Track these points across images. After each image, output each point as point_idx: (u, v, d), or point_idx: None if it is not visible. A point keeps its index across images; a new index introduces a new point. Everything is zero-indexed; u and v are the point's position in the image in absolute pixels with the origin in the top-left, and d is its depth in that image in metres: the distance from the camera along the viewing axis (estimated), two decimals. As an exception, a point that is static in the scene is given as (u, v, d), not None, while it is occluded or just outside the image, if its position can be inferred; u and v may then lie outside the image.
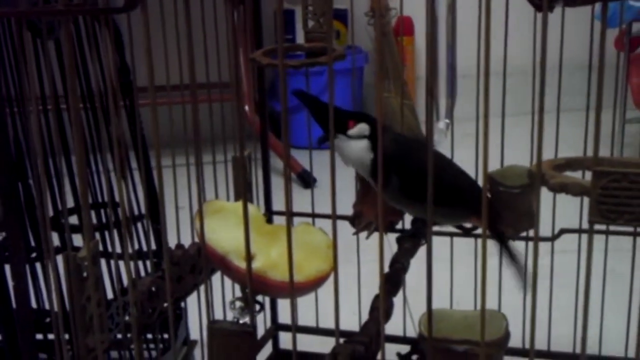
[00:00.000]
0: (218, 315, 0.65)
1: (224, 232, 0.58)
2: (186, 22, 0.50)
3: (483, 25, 0.43)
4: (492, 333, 0.53)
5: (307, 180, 1.71)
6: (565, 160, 0.46)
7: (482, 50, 0.44)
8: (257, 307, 0.60)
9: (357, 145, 0.65)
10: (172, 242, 0.70)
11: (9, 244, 0.60)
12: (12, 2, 0.55)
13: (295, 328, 0.50)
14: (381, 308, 0.48)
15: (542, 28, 0.42)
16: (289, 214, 0.48)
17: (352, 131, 0.65)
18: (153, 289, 0.63)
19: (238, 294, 0.61)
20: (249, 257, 0.48)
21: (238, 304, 0.58)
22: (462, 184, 0.68)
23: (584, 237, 0.81)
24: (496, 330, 0.54)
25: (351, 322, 0.72)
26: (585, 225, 0.78)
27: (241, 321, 0.56)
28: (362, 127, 0.65)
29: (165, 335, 0.82)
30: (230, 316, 0.58)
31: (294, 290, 0.49)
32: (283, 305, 0.93)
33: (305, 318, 0.89)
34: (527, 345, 0.44)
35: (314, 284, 0.60)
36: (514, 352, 0.75)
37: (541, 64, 0.42)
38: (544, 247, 0.79)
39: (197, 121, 0.51)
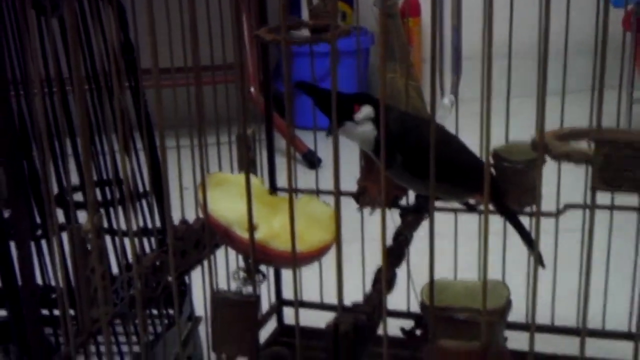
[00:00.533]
0: (222, 288, 0.65)
1: (227, 203, 0.59)
2: (189, 3, 0.50)
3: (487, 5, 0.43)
4: (494, 302, 0.53)
5: (312, 161, 1.71)
6: (569, 131, 0.45)
7: (487, 31, 0.44)
8: (260, 277, 0.60)
9: (363, 128, 0.65)
10: (176, 221, 0.71)
11: (15, 220, 0.61)
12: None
13: (298, 299, 0.50)
14: (383, 278, 0.48)
15: (545, 5, 0.41)
16: (292, 190, 0.49)
17: (358, 115, 0.65)
18: (157, 263, 0.64)
19: (241, 266, 0.62)
20: (252, 228, 0.48)
21: (241, 274, 0.58)
22: (465, 161, 0.68)
23: (589, 214, 0.81)
24: (498, 299, 0.54)
25: (355, 298, 0.72)
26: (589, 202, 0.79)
27: (244, 291, 0.57)
28: (367, 110, 0.65)
29: (170, 311, 0.83)
30: (233, 287, 0.59)
31: (296, 260, 0.49)
32: (287, 281, 0.93)
33: (309, 294, 0.90)
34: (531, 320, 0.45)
35: (316, 254, 0.60)
36: (518, 326, 0.75)
37: (544, 39, 0.42)
38: (548, 224, 0.79)
39: (201, 103, 0.51)
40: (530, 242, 0.69)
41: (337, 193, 0.48)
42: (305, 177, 0.94)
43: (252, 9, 0.84)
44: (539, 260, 0.64)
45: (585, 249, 0.45)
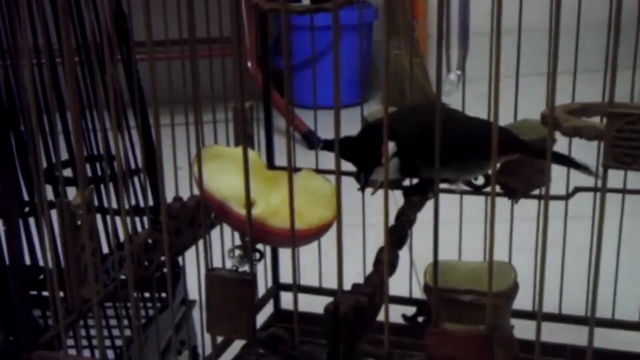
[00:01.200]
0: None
1: (223, 177, 0.59)
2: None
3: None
4: (501, 284, 0.53)
5: (312, 140, 1.71)
6: (581, 105, 0.46)
7: (495, 7, 0.44)
8: (257, 255, 0.60)
9: (390, 166, 0.64)
10: (169, 200, 0.71)
11: (2, 196, 0.61)
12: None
13: (296, 279, 0.51)
14: (385, 258, 0.49)
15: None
16: (291, 169, 0.49)
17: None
18: (149, 241, 0.64)
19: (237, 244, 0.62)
20: (249, 203, 0.48)
21: (237, 252, 0.58)
22: (476, 131, 0.67)
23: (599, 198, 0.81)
24: (504, 281, 0.55)
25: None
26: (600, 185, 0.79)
27: (240, 270, 0.57)
28: (391, 149, 0.64)
29: (163, 295, 0.83)
30: (229, 266, 0.59)
31: (295, 238, 0.50)
32: (284, 264, 0.94)
33: (307, 279, 0.90)
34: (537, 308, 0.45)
35: (315, 232, 0.61)
36: (524, 314, 0.76)
37: (556, 14, 0.42)
38: (558, 209, 0.79)
39: (197, 77, 0.51)
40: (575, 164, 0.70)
41: (339, 172, 0.48)
42: (304, 158, 0.94)
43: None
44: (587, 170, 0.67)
45: (595, 234, 0.45)
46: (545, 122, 0.42)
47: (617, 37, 0.41)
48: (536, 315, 0.45)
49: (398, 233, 0.60)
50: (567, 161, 0.71)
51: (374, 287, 0.52)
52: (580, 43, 0.84)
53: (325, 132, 1.18)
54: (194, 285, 0.80)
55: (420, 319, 0.68)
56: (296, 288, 0.53)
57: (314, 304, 0.78)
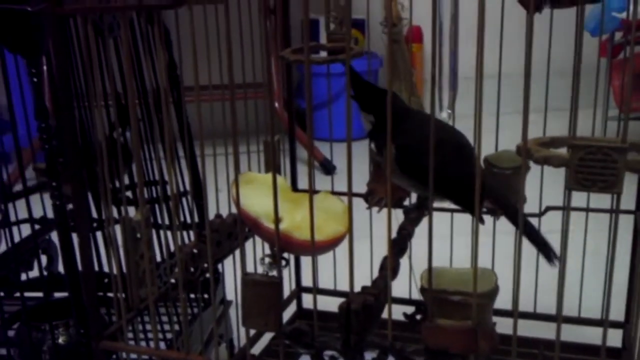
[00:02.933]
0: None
1: (256, 198, 0.60)
2: (226, 31, 0.51)
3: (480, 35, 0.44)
4: (484, 286, 0.54)
5: (328, 168, 1.72)
6: (550, 139, 0.46)
7: (479, 57, 0.44)
8: (283, 262, 0.61)
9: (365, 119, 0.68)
10: (211, 217, 0.72)
11: (76, 214, 0.62)
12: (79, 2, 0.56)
13: (316, 285, 0.51)
14: (389, 267, 0.49)
15: (528, 27, 0.42)
16: (312, 191, 0.50)
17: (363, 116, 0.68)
18: (195, 251, 0.65)
19: (267, 253, 0.62)
20: (277, 220, 0.49)
21: (267, 260, 0.59)
22: (454, 178, 0.62)
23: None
24: (487, 284, 0.55)
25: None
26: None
27: (270, 274, 0.57)
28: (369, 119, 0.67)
29: (206, 296, 0.84)
30: (260, 271, 0.60)
31: (314, 248, 0.50)
32: (306, 269, 0.94)
33: (324, 283, 0.90)
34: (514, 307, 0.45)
35: (331, 243, 0.61)
36: (504, 313, 0.76)
37: (528, 63, 0.43)
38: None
39: (235, 116, 0.52)
40: (540, 244, 0.62)
41: (350, 194, 0.49)
42: (322, 182, 0.95)
43: (278, 36, 0.85)
44: (550, 256, 0.60)
45: (563, 245, 0.45)
46: (519, 152, 0.43)
47: (578, 82, 0.42)
48: (513, 313, 0.46)
49: (399, 244, 0.60)
50: (535, 239, 0.63)
51: (379, 289, 0.52)
52: (550, 86, 0.85)
53: (339, 161, 1.19)
54: (231, 287, 0.80)
55: (418, 317, 0.68)
56: (316, 290, 0.53)
57: (330, 304, 0.78)
